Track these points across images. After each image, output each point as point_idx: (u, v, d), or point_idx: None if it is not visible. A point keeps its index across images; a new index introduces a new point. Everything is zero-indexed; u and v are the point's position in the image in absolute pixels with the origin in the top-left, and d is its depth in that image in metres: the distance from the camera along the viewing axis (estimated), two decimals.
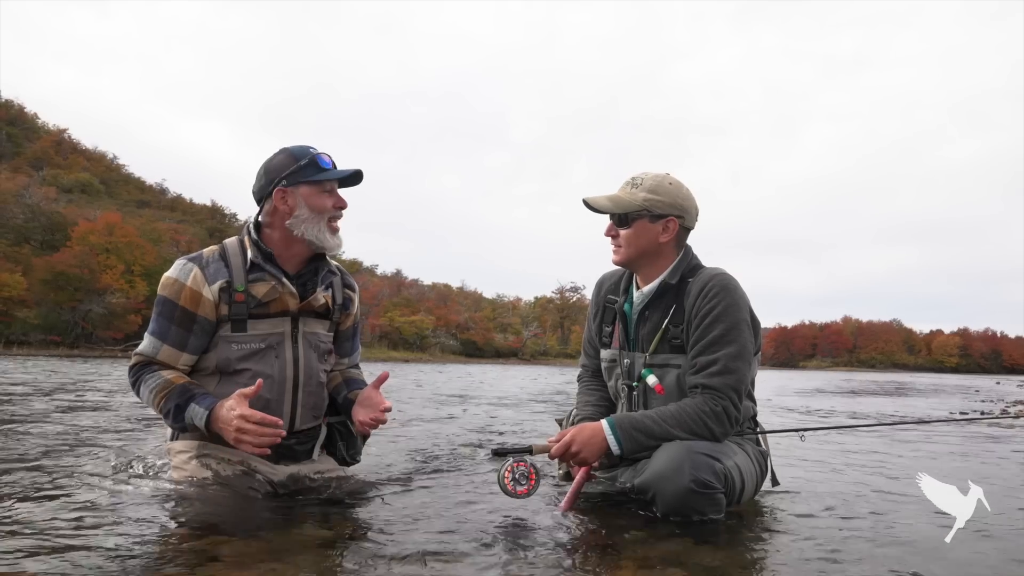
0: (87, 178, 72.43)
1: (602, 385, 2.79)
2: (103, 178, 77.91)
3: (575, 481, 2.37)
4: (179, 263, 2.44)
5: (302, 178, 2.42)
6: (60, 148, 79.77)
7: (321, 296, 2.55)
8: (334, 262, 2.69)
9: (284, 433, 2.29)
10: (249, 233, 2.48)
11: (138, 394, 2.41)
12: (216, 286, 2.38)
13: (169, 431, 2.54)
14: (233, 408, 2.22)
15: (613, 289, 2.72)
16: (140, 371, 2.41)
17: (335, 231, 2.50)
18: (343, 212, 2.53)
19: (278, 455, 2.52)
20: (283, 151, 2.48)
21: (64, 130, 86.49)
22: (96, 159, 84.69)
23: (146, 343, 2.42)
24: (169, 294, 2.38)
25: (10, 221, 48.59)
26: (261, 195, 2.48)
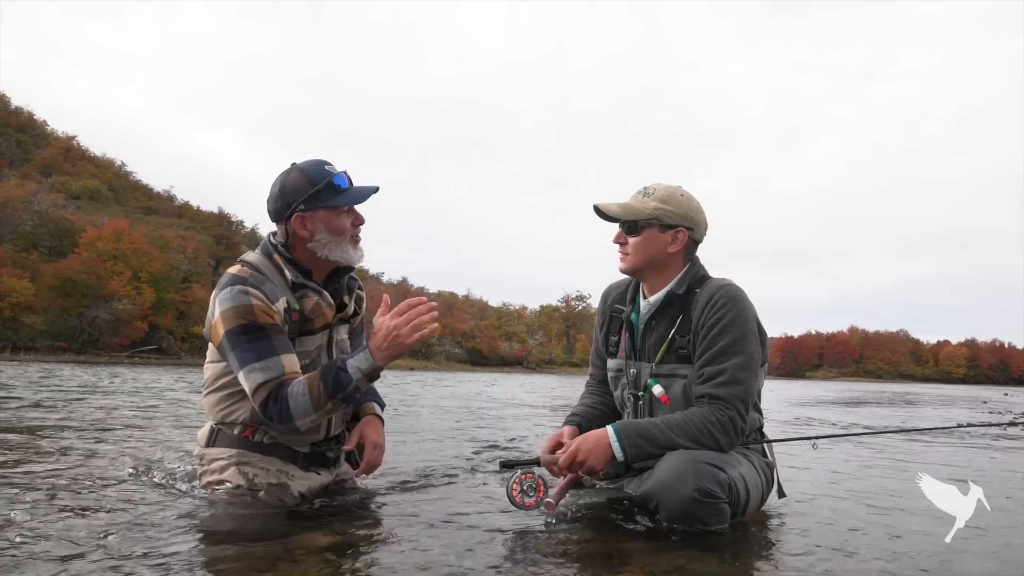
0: (95, 185, 72.76)
1: (605, 391, 2.79)
2: (111, 185, 78.26)
3: (568, 476, 2.38)
4: (230, 292, 2.26)
5: (320, 203, 2.38)
6: (69, 155, 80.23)
7: (351, 304, 2.61)
8: None
9: (436, 304, 2.30)
10: (280, 252, 2.42)
11: (289, 415, 2.22)
12: (279, 304, 2.32)
13: (205, 436, 2.49)
14: (379, 326, 2.25)
15: (619, 299, 2.72)
16: (277, 393, 2.23)
17: (356, 245, 2.49)
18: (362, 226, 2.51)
19: (311, 461, 2.53)
20: (298, 170, 2.42)
21: (73, 137, 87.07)
22: (104, 166, 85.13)
23: (260, 372, 2.21)
24: (246, 318, 2.24)
25: (18, 227, 48.87)
26: (278, 217, 2.44)
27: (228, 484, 2.39)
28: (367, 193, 2.47)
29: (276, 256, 2.42)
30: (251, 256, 2.45)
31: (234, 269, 2.37)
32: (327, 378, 2.23)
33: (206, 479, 2.47)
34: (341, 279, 2.56)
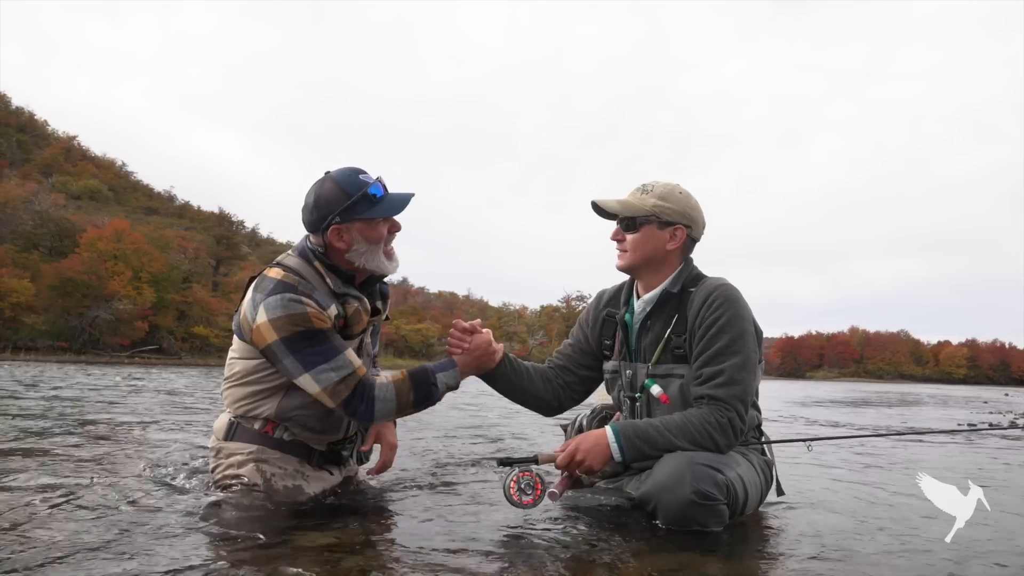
0: (96, 185, 72.90)
1: (556, 368, 2.77)
2: (112, 185, 78.46)
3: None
4: (281, 300, 2.23)
5: (356, 215, 2.36)
6: (69, 155, 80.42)
7: (385, 310, 2.65)
8: None
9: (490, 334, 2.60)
10: (319, 259, 2.40)
11: (372, 414, 2.32)
12: (331, 312, 2.31)
13: (223, 429, 2.48)
14: (476, 346, 2.52)
15: (613, 302, 2.71)
16: (361, 391, 2.29)
17: (391, 255, 2.48)
18: (398, 234, 2.51)
19: (326, 460, 2.54)
20: (332, 180, 2.37)
21: (73, 137, 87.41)
22: (105, 166, 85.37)
23: (332, 372, 2.24)
24: (303, 326, 2.23)
25: (19, 227, 49.00)
26: (313, 228, 2.40)
27: (244, 479, 2.39)
28: (404, 202, 2.45)
29: (317, 263, 2.40)
30: (291, 261, 2.40)
31: (277, 274, 2.32)
32: (419, 388, 2.37)
33: (221, 472, 2.45)
34: (375, 285, 2.57)
